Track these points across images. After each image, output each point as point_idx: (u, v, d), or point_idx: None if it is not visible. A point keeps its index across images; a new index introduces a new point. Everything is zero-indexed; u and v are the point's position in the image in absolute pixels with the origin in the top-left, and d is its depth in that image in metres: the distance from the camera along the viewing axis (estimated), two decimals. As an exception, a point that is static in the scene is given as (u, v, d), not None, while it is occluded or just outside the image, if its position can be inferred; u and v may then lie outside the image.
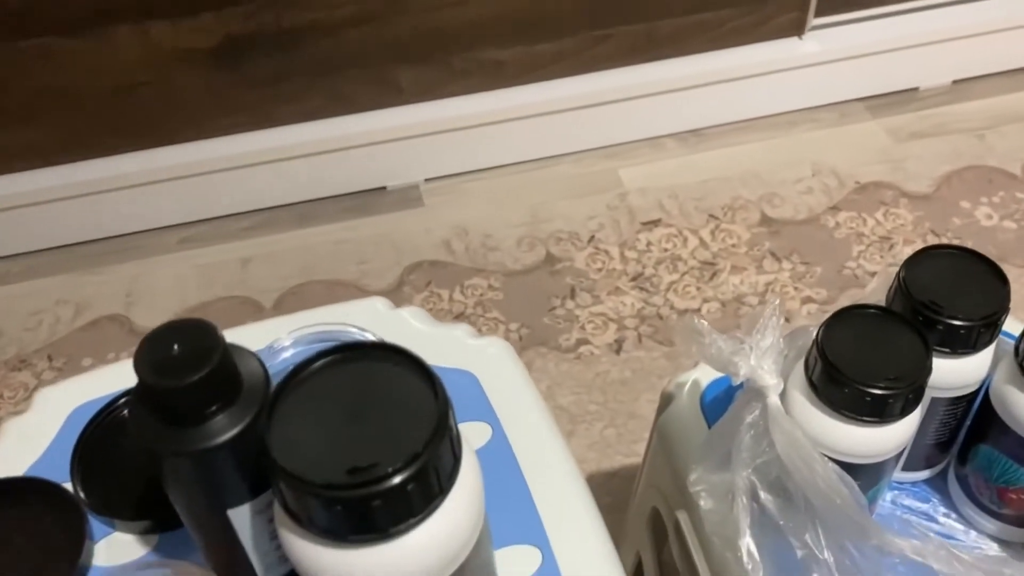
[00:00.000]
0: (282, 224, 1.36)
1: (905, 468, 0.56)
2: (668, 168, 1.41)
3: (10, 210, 1.29)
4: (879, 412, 0.46)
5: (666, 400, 0.63)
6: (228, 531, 0.39)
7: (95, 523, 0.49)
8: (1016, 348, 0.49)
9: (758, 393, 0.48)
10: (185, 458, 0.36)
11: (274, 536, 0.36)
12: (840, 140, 1.44)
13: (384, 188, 1.40)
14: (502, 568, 0.45)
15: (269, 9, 1.20)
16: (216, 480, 0.38)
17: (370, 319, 0.59)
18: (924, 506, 0.56)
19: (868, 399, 0.45)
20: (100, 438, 0.53)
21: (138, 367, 0.35)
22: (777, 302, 0.49)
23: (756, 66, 1.41)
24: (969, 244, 1.21)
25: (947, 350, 0.49)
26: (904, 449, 0.50)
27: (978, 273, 0.51)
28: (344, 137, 1.33)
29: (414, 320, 0.60)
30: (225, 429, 0.36)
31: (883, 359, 0.46)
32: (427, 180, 1.41)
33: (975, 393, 0.52)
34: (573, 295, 1.23)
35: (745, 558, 0.48)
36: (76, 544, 0.47)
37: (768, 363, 0.48)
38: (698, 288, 1.23)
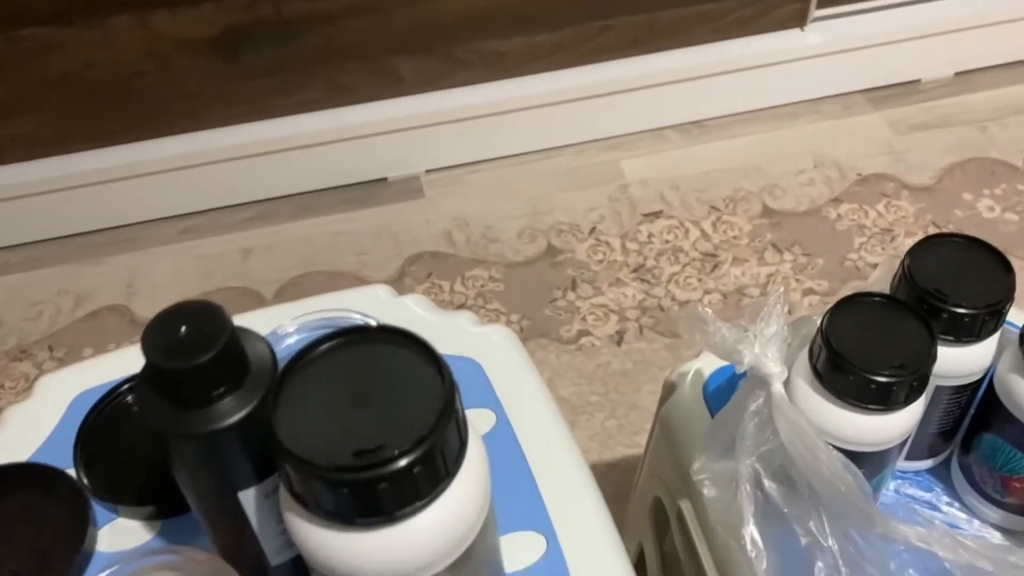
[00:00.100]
0: (283, 215, 1.36)
1: (908, 457, 0.56)
2: (670, 159, 1.40)
3: (10, 200, 1.28)
4: (883, 400, 0.46)
5: (669, 389, 0.63)
6: (238, 514, 0.39)
7: (99, 509, 0.49)
8: (1021, 337, 0.49)
9: (762, 381, 0.48)
10: (192, 440, 0.36)
11: (281, 520, 0.36)
12: (842, 132, 1.44)
13: (385, 179, 1.40)
14: (507, 554, 0.45)
15: (270, -1, 1.20)
16: (224, 463, 0.38)
17: (373, 306, 0.59)
18: (927, 495, 0.56)
19: (873, 387, 0.45)
20: (103, 425, 0.52)
21: (146, 348, 0.35)
22: (781, 290, 0.49)
23: (758, 57, 1.41)
24: (971, 236, 1.21)
25: (951, 338, 0.49)
26: (908, 437, 0.50)
27: (983, 261, 0.51)
28: (344, 128, 1.32)
29: (417, 307, 0.60)
30: (233, 411, 0.36)
31: (888, 347, 0.46)
32: (428, 171, 1.40)
33: (979, 382, 0.52)
34: (574, 286, 1.23)
35: (749, 546, 0.48)
36: (80, 530, 0.47)
37: (772, 351, 0.48)
38: (699, 280, 1.23)
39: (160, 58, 1.22)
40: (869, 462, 0.48)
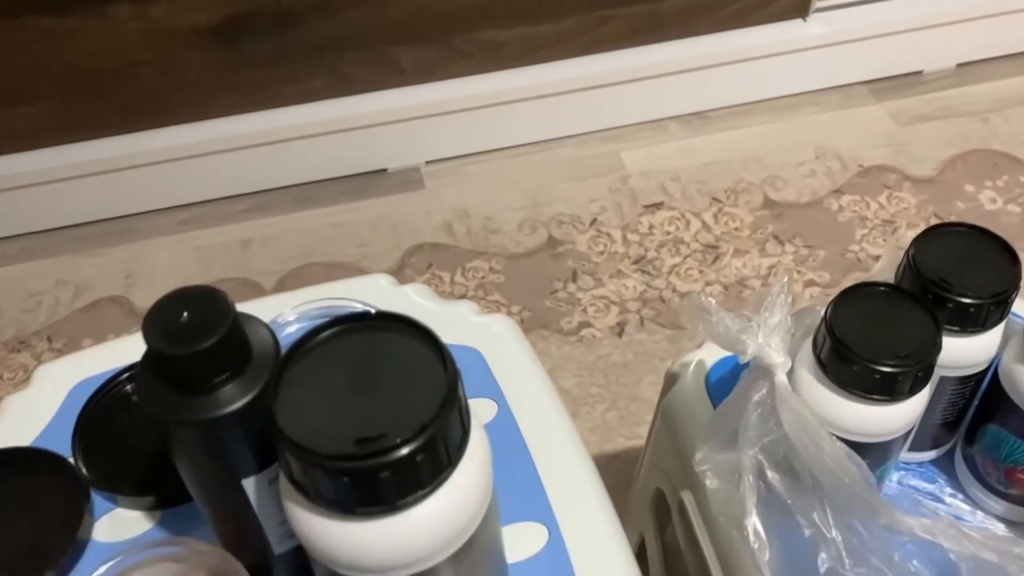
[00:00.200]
0: (282, 206, 1.35)
1: (912, 448, 0.55)
2: (671, 151, 1.40)
3: (8, 191, 1.28)
4: (888, 390, 0.46)
5: (670, 380, 0.63)
6: (240, 503, 0.39)
7: (98, 500, 0.49)
8: (1026, 326, 0.49)
9: (765, 371, 0.48)
10: (194, 428, 0.36)
11: (282, 508, 0.35)
12: (844, 123, 1.43)
13: (385, 170, 1.39)
14: (509, 545, 0.45)
15: (270, -12, 1.19)
16: (226, 450, 0.37)
17: (374, 295, 0.58)
18: (930, 486, 0.56)
19: (877, 377, 0.45)
20: (101, 414, 0.52)
21: (147, 334, 0.35)
22: (785, 280, 0.49)
23: (760, 48, 1.40)
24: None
25: (956, 328, 0.49)
26: (912, 428, 0.49)
27: (988, 251, 0.50)
28: (344, 118, 1.32)
29: (418, 297, 0.60)
30: (235, 398, 0.35)
31: (892, 337, 0.46)
32: (428, 162, 1.40)
33: (984, 372, 0.52)
34: (575, 278, 1.23)
35: (752, 537, 0.47)
36: (76, 516, 0.47)
37: (776, 341, 0.48)
38: (700, 271, 1.23)
39: (159, 48, 1.21)
40: (873, 453, 0.47)
